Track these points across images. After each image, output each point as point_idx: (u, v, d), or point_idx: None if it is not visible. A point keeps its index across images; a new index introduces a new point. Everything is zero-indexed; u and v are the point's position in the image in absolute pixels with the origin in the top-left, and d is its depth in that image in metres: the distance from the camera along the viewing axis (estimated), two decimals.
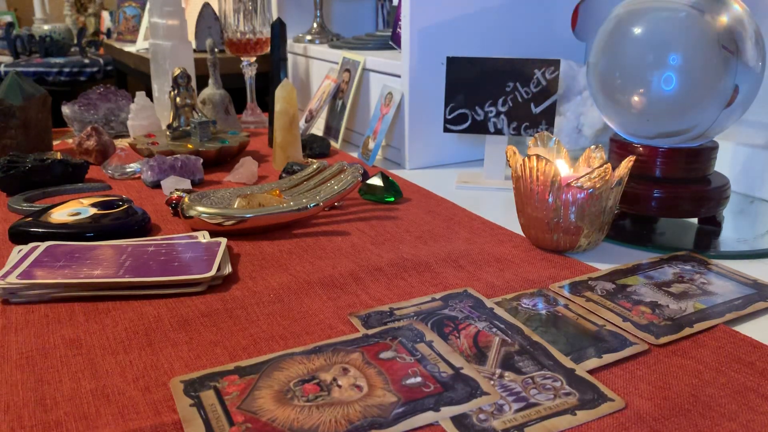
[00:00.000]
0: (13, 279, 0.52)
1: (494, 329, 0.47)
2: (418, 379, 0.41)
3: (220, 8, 1.16)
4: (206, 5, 1.65)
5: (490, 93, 0.84)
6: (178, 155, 0.85)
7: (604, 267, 0.58)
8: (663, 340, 0.46)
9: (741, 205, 0.76)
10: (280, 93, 0.88)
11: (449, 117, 0.86)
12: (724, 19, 0.60)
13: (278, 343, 0.46)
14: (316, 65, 1.26)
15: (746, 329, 0.47)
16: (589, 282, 0.55)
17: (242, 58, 1.19)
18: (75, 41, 2.66)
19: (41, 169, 0.80)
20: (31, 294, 0.52)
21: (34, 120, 0.92)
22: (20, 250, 0.59)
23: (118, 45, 2.27)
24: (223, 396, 0.39)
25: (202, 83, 1.16)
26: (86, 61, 2.46)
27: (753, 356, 0.44)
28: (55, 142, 1.05)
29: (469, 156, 0.99)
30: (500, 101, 0.84)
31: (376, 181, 0.78)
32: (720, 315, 0.49)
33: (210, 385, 0.40)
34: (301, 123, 1.14)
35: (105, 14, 3.11)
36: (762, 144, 0.78)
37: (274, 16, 1.23)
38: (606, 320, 0.48)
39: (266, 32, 1.16)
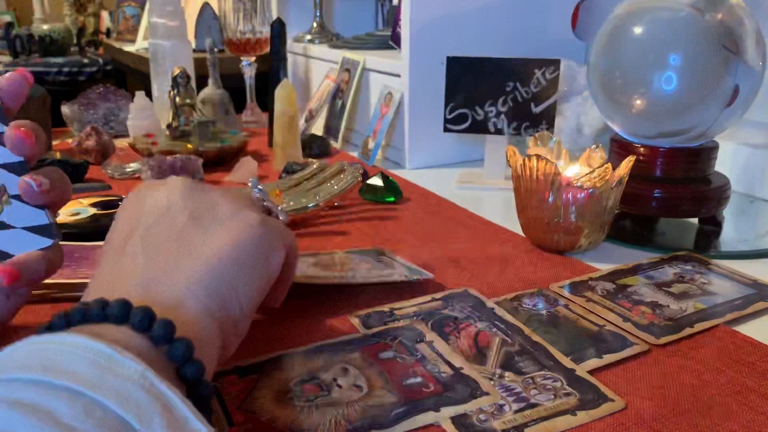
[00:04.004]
0: None
1: (494, 329, 0.47)
2: (419, 379, 0.41)
3: (219, 8, 1.16)
4: (206, 5, 1.65)
5: (490, 93, 0.84)
6: (178, 155, 0.85)
7: (604, 267, 0.58)
8: (663, 340, 0.46)
9: (741, 205, 0.76)
10: (279, 93, 0.88)
11: (449, 117, 0.86)
12: (724, 19, 0.60)
13: (278, 343, 0.45)
14: (316, 65, 1.26)
15: (746, 329, 0.47)
16: (590, 282, 0.55)
17: (242, 58, 1.19)
18: (74, 41, 2.66)
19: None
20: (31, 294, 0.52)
21: (33, 120, 0.91)
22: None
23: (117, 45, 2.27)
24: (223, 396, 0.39)
25: (201, 83, 1.16)
26: (85, 60, 2.46)
27: (753, 356, 0.44)
28: (54, 142, 1.05)
29: (469, 156, 0.99)
30: (500, 101, 0.84)
31: (376, 181, 0.78)
32: (720, 315, 0.49)
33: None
34: (301, 123, 1.14)
35: (104, 14, 3.11)
36: (762, 144, 0.78)
37: (274, 16, 1.23)
38: (606, 320, 0.48)
39: (266, 32, 1.16)
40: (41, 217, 0.42)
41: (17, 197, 0.42)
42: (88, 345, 0.26)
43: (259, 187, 0.44)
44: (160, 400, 0.25)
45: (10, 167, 0.41)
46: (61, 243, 0.59)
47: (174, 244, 0.35)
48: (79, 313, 0.29)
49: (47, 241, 0.43)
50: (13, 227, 0.42)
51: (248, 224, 0.36)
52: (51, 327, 0.29)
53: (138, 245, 0.35)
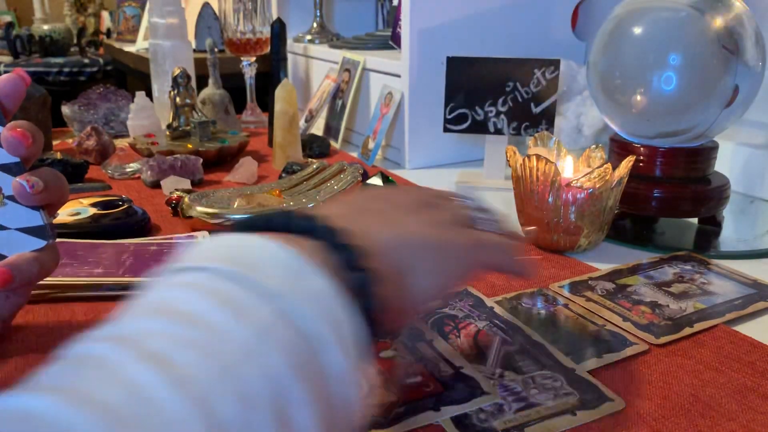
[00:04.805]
0: None
1: (494, 328, 0.47)
2: (418, 378, 0.41)
3: (219, 8, 1.16)
4: (206, 5, 1.65)
5: (490, 93, 0.84)
6: (177, 155, 0.85)
7: (604, 267, 0.58)
8: (663, 339, 0.46)
9: (741, 205, 0.76)
10: (280, 93, 0.88)
11: (449, 117, 0.86)
12: (724, 19, 0.60)
13: None
14: (316, 65, 1.26)
15: (746, 329, 0.47)
16: (589, 282, 0.55)
17: (242, 58, 1.19)
18: (75, 41, 2.66)
19: None
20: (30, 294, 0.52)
21: (34, 120, 0.91)
22: None
23: (117, 45, 2.27)
24: None
25: (202, 83, 1.16)
26: (86, 61, 2.46)
27: (753, 356, 0.44)
28: (55, 142, 1.05)
29: (469, 156, 0.99)
30: (500, 101, 0.84)
31: (376, 181, 0.78)
32: (720, 315, 0.49)
33: None
34: (301, 123, 1.14)
35: (105, 14, 3.11)
36: (762, 144, 0.78)
37: (274, 16, 1.23)
38: (606, 320, 0.48)
39: (266, 32, 1.16)
40: (36, 219, 0.42)
41: (12, 198, 0.42)
42: (282, 250, 0.27)
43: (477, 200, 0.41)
44: (340, 319, 0.26)
45: (6, 168, 0.41)
46: (65, 240, 0.60)
47: (385, 216, 0.35)
48: (283, 221, 0.30)
49: (41, 243, 0.43)
50: (8, 228, 0.42)
51: (469, 236, 0.36)
52: (251, 226, 0.30)
53: (354, 210, 0.35)
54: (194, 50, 1.27)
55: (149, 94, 1.08)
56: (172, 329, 0.23)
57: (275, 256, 0.26)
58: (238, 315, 0.24)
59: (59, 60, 2.42)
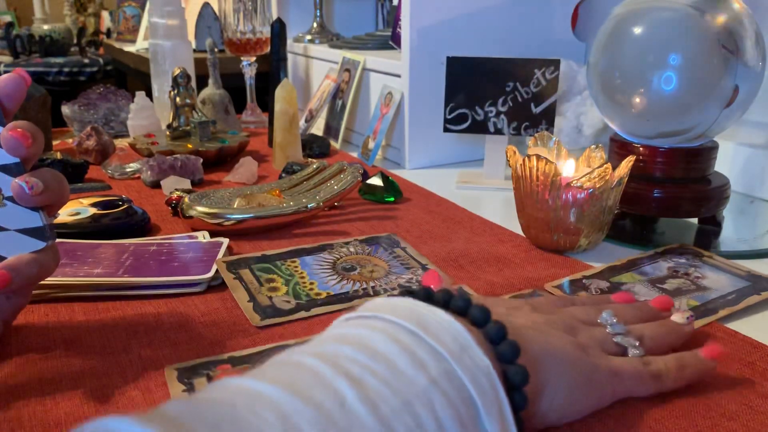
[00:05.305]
0: None
1: None
2: None
3: (220, 8, 1.16)
4: (206, 5, 1.65)
5: (490, 93, 0.84)
6: (177, 155, 0.85)
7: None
8: None
9: (741, 205, 0.76)
10: (280, 93, 0.88)
11: (449, 117, 0.86)
12: (724, 19, 0.60)
13: (277, 338, 0.46)
14: (316, 65, 1.26)
15: (746, 329, 0.47)
16: (584, 281, 0.55)
17: (242, 58, 1.19)
18: (75, 41, 2.66)
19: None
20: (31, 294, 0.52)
21: (33, 120, 0.92)
22: None
23: (117, 45, 2.27)
24: None
25: (202, 83, 1.16)
26: (86, 61, 2.46)
27: (753, 356, 0.44)
28: (55, 142, 1.05)
29: (469, 156, 0.99)
30: (500, 101, 0.84)
31: (376, 181, 0.78)
32: (713, 312, 0.49)
33: (203, 372, 0.41)
34: (301, 123, 1.14)
35: (105, 14, 3.11)
36: (762, 144, 0.78)
37: (274, 16, 1.23)
38: None
39: (266, 32, 1.17)
40: (35, 220, 0.42)
41: (12, 199, 0.41)
42: (452, 323, 0.30)
43: (614, 320, 0.41)
44: (497, 400, 0.28)
45: (5, 168, 0.41)
46: (65, 241, 0.60)
47: (537, 326, 0.37)
48: (444, 297, 0.33)
49: (40, 244, 0.43)
50: (7, 229, 0.42)
51: (608, 367, 0.37)
52: (414, 293, 0.33)
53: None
54: (194, 50, 1.27)
55: (149, 94, 1.08)
56: (360, 357, 0.27)
57: (447, 326, 0.30)
58: (414, 362, 0.27)
59: (59, 60, 2.42)
